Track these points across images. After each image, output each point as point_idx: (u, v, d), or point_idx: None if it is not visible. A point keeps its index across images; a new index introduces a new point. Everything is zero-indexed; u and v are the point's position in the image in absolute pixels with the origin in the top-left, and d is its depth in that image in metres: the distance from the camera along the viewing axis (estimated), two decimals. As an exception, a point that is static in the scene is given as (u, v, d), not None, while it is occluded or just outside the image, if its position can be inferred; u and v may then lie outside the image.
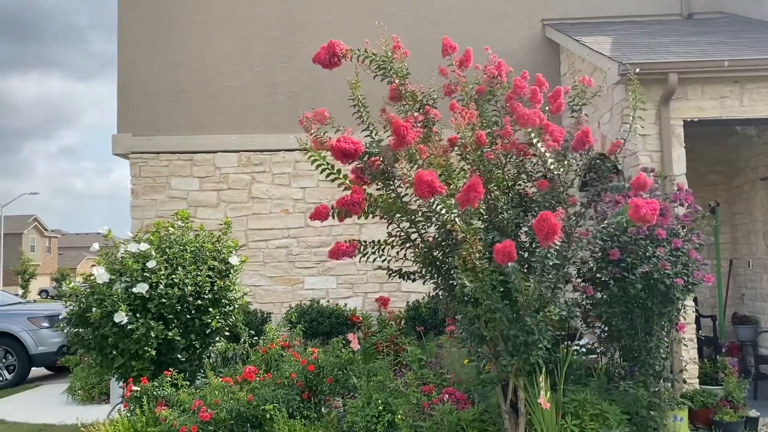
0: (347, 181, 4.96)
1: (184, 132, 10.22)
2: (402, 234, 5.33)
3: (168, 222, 6.83)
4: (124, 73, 10.40)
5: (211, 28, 10.46)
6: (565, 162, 5.07)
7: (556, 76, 9.89)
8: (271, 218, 10.09)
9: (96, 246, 6.60)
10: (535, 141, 5.00)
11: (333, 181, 5.02)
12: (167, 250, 6.40)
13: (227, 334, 6.88)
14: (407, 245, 5.35)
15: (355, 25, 9.60)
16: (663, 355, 5.48)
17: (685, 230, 5.53)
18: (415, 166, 4.63)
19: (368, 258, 5.23)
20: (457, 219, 4.55)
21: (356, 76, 5.10)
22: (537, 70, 9.62)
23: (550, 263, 4.67)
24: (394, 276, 5.54)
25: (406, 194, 5.13)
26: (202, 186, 10.16)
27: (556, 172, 5.02)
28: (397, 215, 5.10)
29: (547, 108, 5.33)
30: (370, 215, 5.04)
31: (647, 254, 5.23)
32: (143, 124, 10.25)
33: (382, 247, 5.31)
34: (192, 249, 6.48)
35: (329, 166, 5.02)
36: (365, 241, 5.24)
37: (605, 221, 4.84)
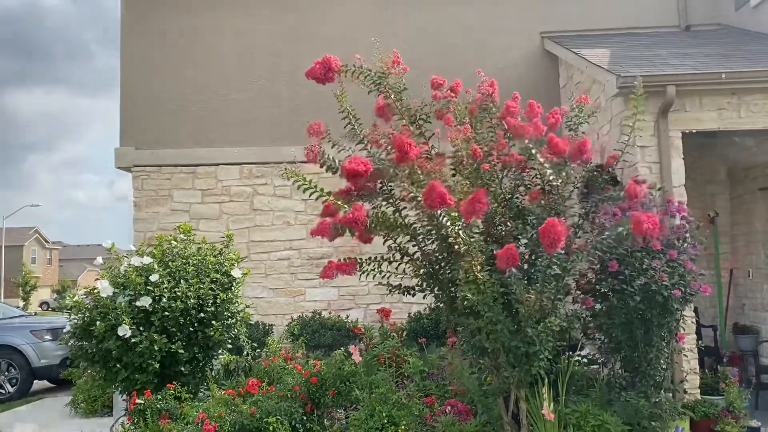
0: (339, 202, 4.89)
1: (187, 145, 10.30)
2: (400, 249, 5.33)
3: (170, 235, 6.87)
4: (127, 87, 10.48)
5: (214, 42, 10.54)
6: (563, 173, 5.10)
7: (555, 87, 9.99)
8: (273, 230, 10.14)
9: (100, 260, 6.63)
10: (533, 152, 5.06)
11: (317, 200, 4.94)
12: (170, 263, 6.44)
13: (229, 346, 6.89)
14: (406, 260, 5.33)
15: (357, 39, 9.67)
16: (663, 366, 5.50)
17: (680, 241, 5.56)
18: (416, 182, 4.66)
19: (367, 275, 5.22)
20: (460, 232, 4.58)
21: (341, 87, 5.08)
22: (536, 82, 9.72)
23: (552, 273, 4.69)
24: (395, 291, 5.53)
25: (405, 207, 5.16)
26: (204, 199, 10.21)
27: (554, 183, 5.06)
28: (397, 230, 5.09)
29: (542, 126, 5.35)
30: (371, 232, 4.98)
31: (644, 266, 5.26)
32: (146, 138, 10.32)
33: (380, 263, 5.30)
34: (194, 262, 6.51)
35: (317, 189, 4.97)
36: (361, 258, 5.21)
37: (605, 233, 4.87)
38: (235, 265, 6.77)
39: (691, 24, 10.34)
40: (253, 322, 9.15)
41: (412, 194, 4.74)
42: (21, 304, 49.03)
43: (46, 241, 67.22)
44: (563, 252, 4.71)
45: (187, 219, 9.97)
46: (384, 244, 5.35)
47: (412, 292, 5.51)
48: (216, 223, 10.10)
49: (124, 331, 5.84)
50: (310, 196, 4.97)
